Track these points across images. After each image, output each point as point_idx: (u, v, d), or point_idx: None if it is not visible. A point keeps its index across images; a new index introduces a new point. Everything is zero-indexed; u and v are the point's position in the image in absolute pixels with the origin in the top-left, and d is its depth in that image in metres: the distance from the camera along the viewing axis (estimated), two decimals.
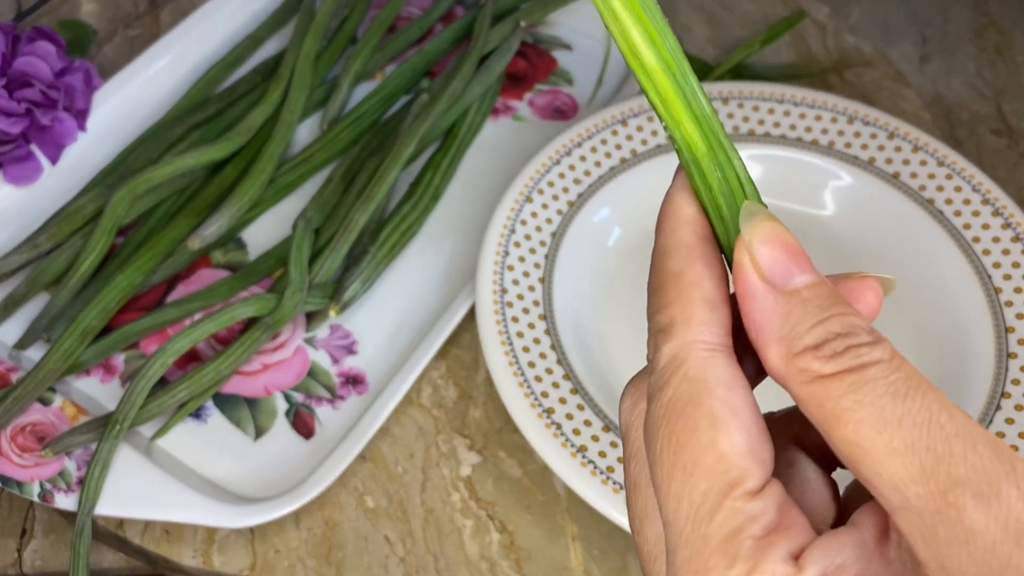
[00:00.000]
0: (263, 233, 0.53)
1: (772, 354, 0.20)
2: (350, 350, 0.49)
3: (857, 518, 0.20)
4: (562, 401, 0.43)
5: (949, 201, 0.49)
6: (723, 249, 0.22)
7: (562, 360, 0.45)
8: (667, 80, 0.22)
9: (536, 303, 0.47)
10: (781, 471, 0.22)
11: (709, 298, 0.21)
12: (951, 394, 0.45)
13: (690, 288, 0.21)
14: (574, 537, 0.44)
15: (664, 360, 0.21)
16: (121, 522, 0.44)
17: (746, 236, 0.21)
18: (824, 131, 0.52)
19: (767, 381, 0.22)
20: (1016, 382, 0.44)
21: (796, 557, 0.19)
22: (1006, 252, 0.47)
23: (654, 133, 0.53)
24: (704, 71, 0.60)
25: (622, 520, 0.40)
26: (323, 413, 0.47)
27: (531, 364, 0.44)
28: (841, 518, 0.22)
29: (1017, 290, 0.46)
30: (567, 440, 0.42)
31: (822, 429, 0.19)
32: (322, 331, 0.49)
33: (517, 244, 0.48)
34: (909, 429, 0.18)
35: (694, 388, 0.20)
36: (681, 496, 0.19)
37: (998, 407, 0.43)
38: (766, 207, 0.21)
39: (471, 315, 0.48)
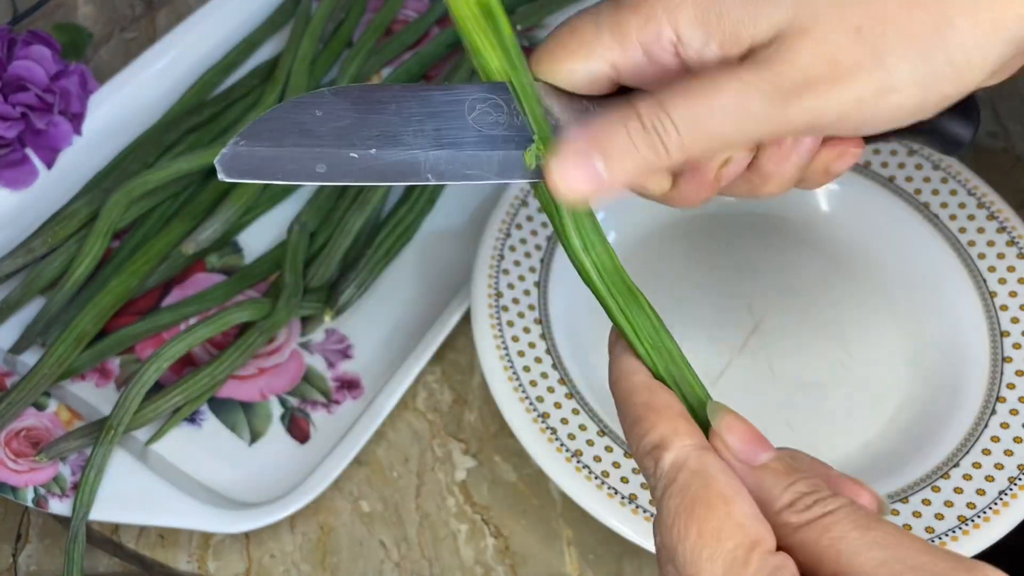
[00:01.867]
0: (258, 237, 0.53)
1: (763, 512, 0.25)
2: (345, 354, 0.49)
3: None
4: (557, 406, 0.43)
5: (944, 205, 0.49)
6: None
7: (557, 364, 0.45)
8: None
9: (531, 307, 0.47)
10: None
11: (681, 413, 0.27)
12: (946, 398, 0.45)
13: (665, 409, 0.26)
14: (569, 542, 0.44)
15: (667, 466, 0.25)
16: (116, 527, 0.44)
17: (716, 430, 0.26)
18: None
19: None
20: (1011, 386, 0.44)
21: None
22: (1001, 256, 0.47)
23: None
24: None
25: (617, 525, 0.40)
26: (318, 417, 0.47)
27: (526, 368, 0.44)
28: None
29: (1012, 294, 0.46)
30: (562, 445, 0.42)
31: (811, 569, 0.24)
32: (317, 335, 0.49)
33: (512, 248, 0.48)
34: (880, 551, 0.23)
35: (700, 477, 0.25)
36: (715, 557, 0.23)
37: (993, 411, 0.43)
38: (724, 405, 0.27)
39: (466, 319, 0.48)
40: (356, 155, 0.27)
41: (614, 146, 0.27)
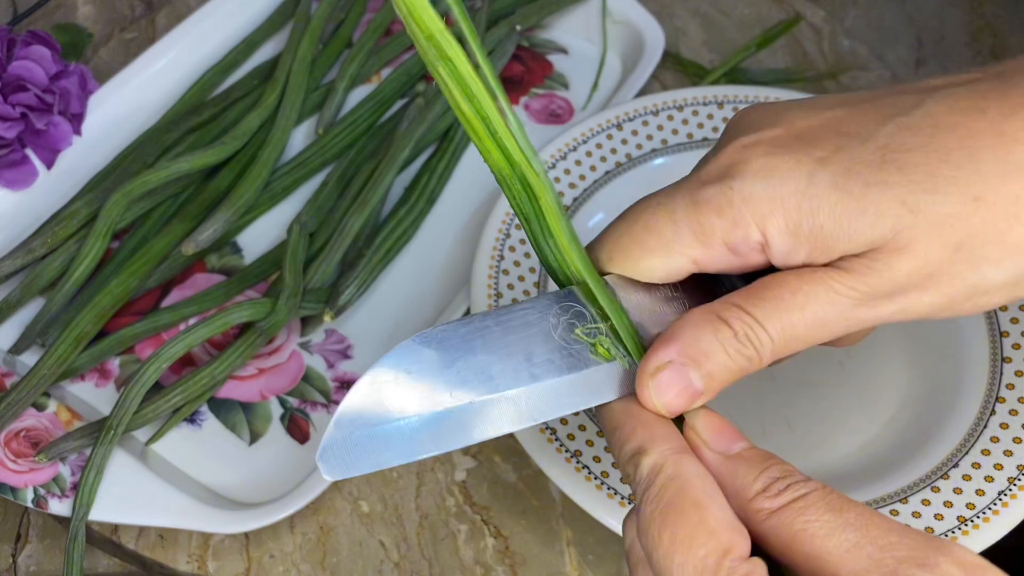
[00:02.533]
0: (258, 238, 0.53)
1: (731, 505, 0.25)
2: (345, 355, 0.49)
3: None
4: None
5: None
6: None
7: None
8: None
9: None
10: None
11: (659, 419, 0.27)
12: (946, 399, 0.45)
13: (643, 414, 0.27)
14: (569, 542, 0.44)
15: (646, 472, 0.26)
16: (116, 527, 0.44)
17: (690, 423, 0.27)
18: None
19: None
20: (1010, 387, 0.44)
21: None
22: None
23: (649, 137, 0.53)
24: (699, 75, 0.60)
25: (616, 525, 0.40)
26: (318, 418, 0.47)
27: None
28: None
29: None
30: (561, 445, 0.42)
31: (786, 555, 0.24)
32: (317, 336, 0.49)
33: (512, 248, 0.48)
34: (852, 532, 0.23)
35: (675, 482, 0.25)
36: (685, 564, 0.24)
37: (992, 411, 0.43)
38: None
39: None
40: (453, 411, 0.26)
41: (708, 357, 0.27)
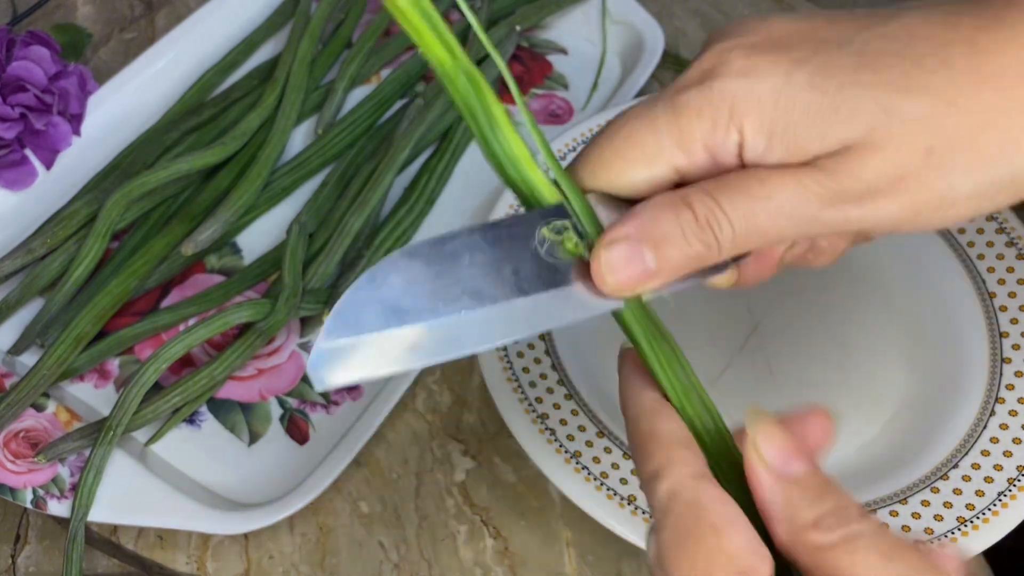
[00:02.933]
0: (258, 238, 0.53)
1: (779, 530, 0.25)
2: None
3: None
4: (556, 407, 0.43)
5: None
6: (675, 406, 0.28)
7: (556, 366, 0.45)
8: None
9: None
10: None
11: (682, 440, 0.26)
12: (945, 399, 0.45)
13: (665, 438, 0.26)
14: (568, 543, 0.44)
15: (662, 497, 0.25)
16: (115, 528, 0.44)
17: (752, 436, 0.26)
18: None
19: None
20: (1010, 387, 0.44)
21: None
22: (1000, 257, 0.47)
23: None
24: None
25: (616, 526, 0.40)
26: (317, 418, 0.47)
27: (525, 369, 0.44)
28: None
29: (1011, 295, 0.46)
30: (561, 446, 0.42)
31: None
32: (317, 336, 0.49)
33: None
34: None
35: (693, 509, 0.24)
36: None
37: (992, 412, 0.43)
38: (765, 411, 0.27)
39: None
40: (448, 323, 0.26)
41: (665, 238, 0.27)
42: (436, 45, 0.26)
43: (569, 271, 0.27)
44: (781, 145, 0.26)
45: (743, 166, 0.27)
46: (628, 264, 0.26)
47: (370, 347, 0.25)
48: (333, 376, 0.25)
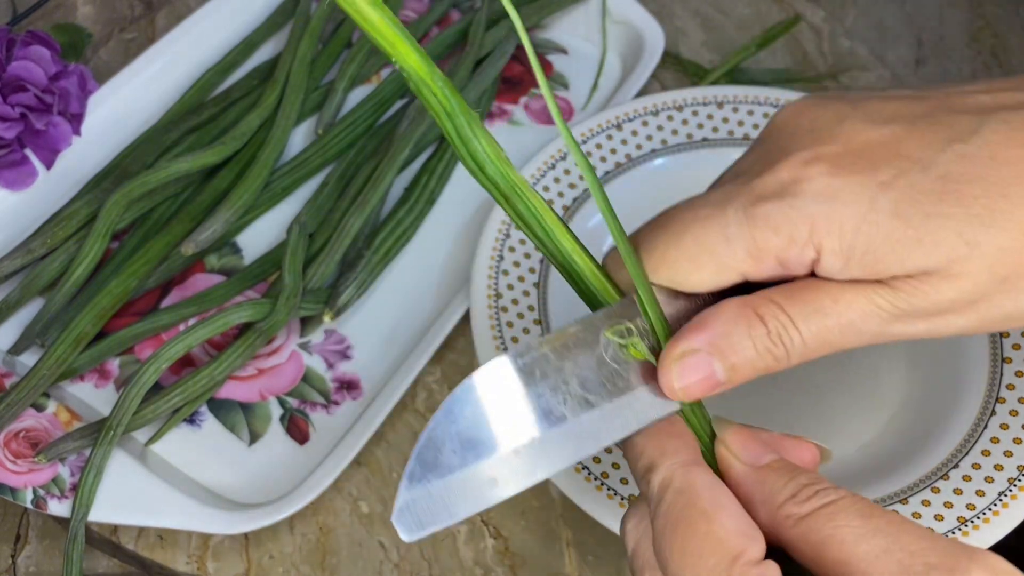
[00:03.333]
0: (258, 238, 0.53)
1: (761, 515, 0.26)
2: (345, 355, 0.49)
3: None
4: None
5: None
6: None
7: None
8: None
9: (531, 308, 0.47)
10: None
11: (671, 433, 0.27)
12: (946, 399, 0.45)
13: (653, 431, 0.27)
14: (568, 543, 0.44)
15: (656, 487, 0.26)
16: (115, 528, 0.44)
17: (721, 437, 0.28)
18: None
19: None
20: (1011, 387, 0.44)
21: None
22: None
23: (649, 138, 0.53)
24: (699, 75, 0.60)
25: (616, 526, 0.40)
26: (318, 418, 0.47)
27: None
28: None
29: None
30: None
31: (815, 562, 0.24)
32: (317, 336, 0.49)
33: (512, 249, 0.48)
34: (882, 538, 0.23)
35: (684, 496, 0.25)
36: (697, 573, 0.24)
37: (993, 412, 0.43)
38: (727, 420, 0.28)
39: (466, 320, 0.48)
40: (521, 451, 0.26)
41: (735, 351, 0.27)
42: (410, 55, 0.26)
43: (632, 373, 0.27)
44: (858, 266, 0.27)
45: (812, 274, 0.28)
46: (698, 375, 0.27)
47: (451, 494, 0.25)
48: (419, 533, 0.25)
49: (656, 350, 0.28)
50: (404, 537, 0.25)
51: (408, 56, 0.25)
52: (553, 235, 0.28)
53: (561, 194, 0.51)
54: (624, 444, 0.28)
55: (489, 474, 0.26)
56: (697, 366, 0.27)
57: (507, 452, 0.26)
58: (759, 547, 0.24)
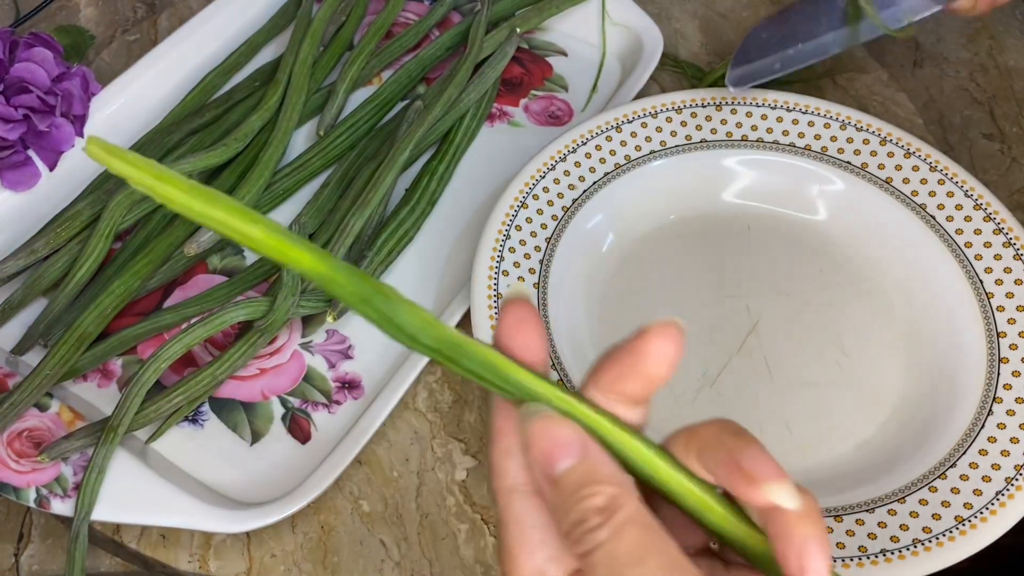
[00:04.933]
0: None
1: None
2: (346, 355, 0.49)
3: None
4: None
5: (941, 206, 0.50)
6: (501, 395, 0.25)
7: (556, 365, 0.45)
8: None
9: None
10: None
11: (505, 449, 0.24)
12: (942, 399, 0.45)
13: (493, 448, 0.25)
14: None
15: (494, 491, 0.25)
16: (117, 527, 0.44)
17: (522, 437, 0.24)
18: (817, 136, 0.52)
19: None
20: (1008, 387, 0.44)
21: None
22: (997, 257, 0.48)
23: (648, 139, 0.53)
24: (698, 77, 0.61)
25: None
26: (319, 418, 0.47)
27: None
28: None
29: (1008, 295, 0.46)
30: None
31: None
32: (318, 336, 0.50)
33: (512, 249, 0.49)
34: None
35: (501, 530, 0.24)
36: None
37: (990, 412, 0.43)
38: (542, 401, 0.24)
39: (467, 319, 0.48)
40: None
41: None
42: (304, 256, 0.24)
43: None
44: None
45: None
46: None
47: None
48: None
49: None
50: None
51: (303, 259, 0.23)
52: (510, 377, 0.25)
53: (561, 195, 0.51)
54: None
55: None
56: None
57: None
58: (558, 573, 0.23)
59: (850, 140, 0.52)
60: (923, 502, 0.41)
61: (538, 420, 0.24)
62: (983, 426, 0.43)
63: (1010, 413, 0.43)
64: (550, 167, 0.51)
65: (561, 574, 0.23)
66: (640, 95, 0.58)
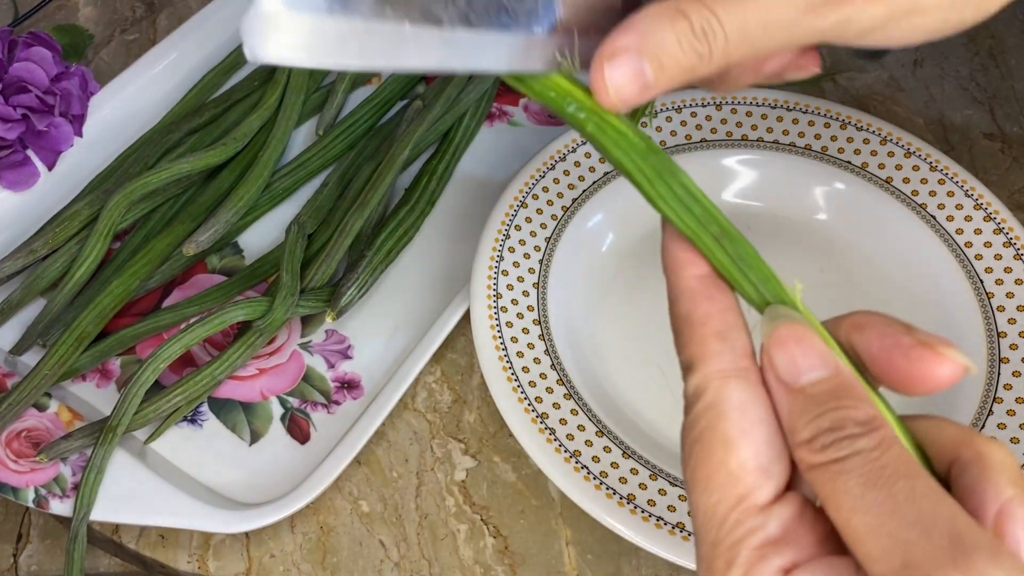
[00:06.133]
0: (259, 238, 0.53)
1: (788, 440, 0.23)
2: (346, 355, 0.49)
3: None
4: (556, 406, 0.44)
5: (941, 206, 0.50)
6: (724, 278, 0.26)
7: (556, 365, 0.45)
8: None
9: (530, 308, 0.47)
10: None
11: (718, 331, 0.24)
12: (943, 399, 0.45)
13: (699, 327, 0.25)
14: (568, 542, 0.44)
15: (689, 393, 0.24)
16: (116, 527, 0.44)
17: (765, 342, 0.24)
18: (817, 136, 0.52)
19: None
20: (1008, 387, 0.44)
21: (788, 571, 0.22)
22: (998, 257, 0.48)
23: None
24: None
25: (615, 525, 0.40)
26: (318, 418, 0.47)
27: (525, 369, 0.45)
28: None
29: (1009, 295, 0.46)
30: (560, 445, 0.42)
31: (826, 509, 0.22)
32: (318, 336, 0.50)
33: (512, 249, 0.49)
34: (875, 516, 0.21)
35: (710, 415, 0.23)
36: (698, 506, 0.23)
37: (990, 412, 0.43)
38: (788, 300, 0.25)
39: (466, 320, 0.48)
40: (385, 28, 0.24)
41: (664, 50, 0.27)
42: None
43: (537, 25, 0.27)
44: None
45: None
46: (628, 73, 0.27)
47: (309, 28, 0.23)
48: (265, 48, 0.23)
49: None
50: (248, 56, 0.23)
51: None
52: (764, 271, 0.26)
53: (560, 195, 0.51)
54: (673, 329, 0.26)
55: (347, 32, 0.24)
56: (626, 64, 0.26)
57: (373, 23, 0.24)
58: (773, 486, 0.23)
59: (850, 140, 0.52)
60: None
61: (790, 324, 0.24)
62: (983, 426, 0.43)
63: (1010, 413, 0.43)
64: (550, 167, 0.51)
65: (783, 477, 0.23)
66: None
